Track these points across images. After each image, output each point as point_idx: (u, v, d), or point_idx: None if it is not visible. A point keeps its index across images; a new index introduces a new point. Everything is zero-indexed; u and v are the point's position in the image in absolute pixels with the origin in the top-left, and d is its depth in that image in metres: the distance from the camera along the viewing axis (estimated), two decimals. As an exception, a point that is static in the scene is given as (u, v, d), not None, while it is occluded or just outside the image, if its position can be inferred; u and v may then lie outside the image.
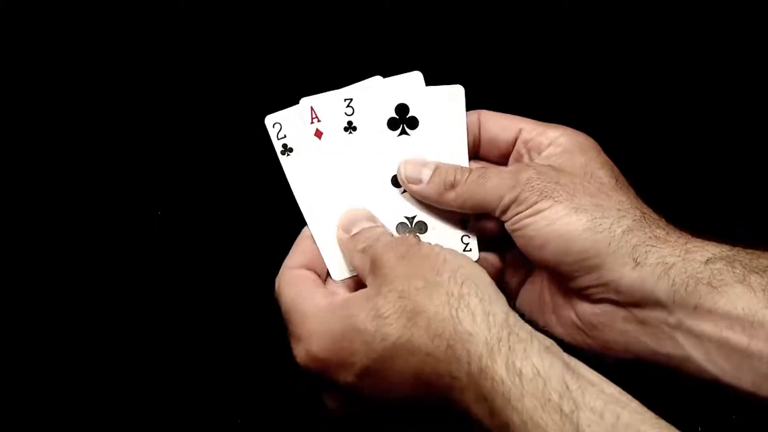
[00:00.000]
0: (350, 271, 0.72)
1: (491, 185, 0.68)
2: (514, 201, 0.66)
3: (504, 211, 0.67)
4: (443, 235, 0.72)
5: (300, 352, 0.63)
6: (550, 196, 0.65)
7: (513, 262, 0.74)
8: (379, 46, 1.06)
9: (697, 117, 1.05)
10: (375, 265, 0.63)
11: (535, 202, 0.65)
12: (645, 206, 0.68)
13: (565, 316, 0.69)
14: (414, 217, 0.72)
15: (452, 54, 1.07)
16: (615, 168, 0.71)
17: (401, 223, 0.73)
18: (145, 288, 0.92)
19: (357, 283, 0.70)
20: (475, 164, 0.74)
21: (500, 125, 0.75)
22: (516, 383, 0.54)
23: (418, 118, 0.74)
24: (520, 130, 0.74)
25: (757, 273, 0.61)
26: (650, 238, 0.64)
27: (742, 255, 0.63)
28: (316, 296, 0.65)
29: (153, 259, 0.94)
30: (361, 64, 1.07)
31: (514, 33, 1.09)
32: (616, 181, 0.69)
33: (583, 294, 0.66)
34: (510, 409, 0.53)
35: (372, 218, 0.70)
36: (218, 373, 0.87)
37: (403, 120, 0.73)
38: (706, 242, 0.64)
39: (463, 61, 1.06)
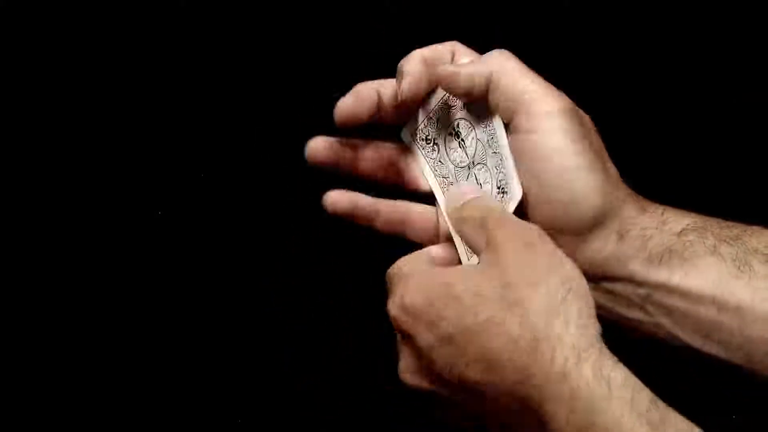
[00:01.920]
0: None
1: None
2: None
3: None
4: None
5: (395, 301, 0.63)
6: (579, 152, 0.67)
7: None
8: (377, 46, 1.06)
9: (697, 117, 1.05)
10: (491, 247, 0.63)
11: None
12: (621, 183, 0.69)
13: None
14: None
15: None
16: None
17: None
18: (145, 288, 0.92)
19: None
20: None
21: (511, 84, 0.75)
22: (603, 387, 0.54)
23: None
24: (524, 95, 0.75)
25: (727, 242, 0.63)
26: (632, 210, 0.65)
27: (713, 225, 0.64)
28: (422, 261, 0.66)
29: (153, 259, 0.94)
30: (359, 65, 1.07)
31: (512, 32, 1.09)
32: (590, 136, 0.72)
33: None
34: (594, 412, 0.54)
35: (476, 190, 0.70)
36: (218, 373, 0.87)
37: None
38: (682, 213, 0.66)
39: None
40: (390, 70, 0.84)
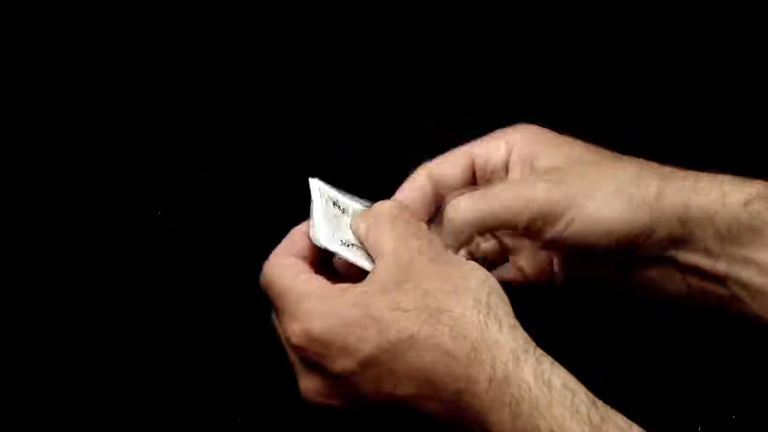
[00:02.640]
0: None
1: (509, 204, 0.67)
2: (540, 224, 0.65)
3: (536, 231, 0.66)
4: None
5: (295, 330, 0.61)
6: (574, 200, 0.65)
7: (528, 257, 0.72)
8: (375, 48, 1.06)
9: (697, 117, 1.05)
10: (399, 258, 0.61)
11: (563, 212, 0.65)
12: (651, 163, 0.68)
13: (622, 286, 0.69)
14: None
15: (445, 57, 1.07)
16: (584, 143, 0.70)
17: None
18: (145, 288, 0.92)
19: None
20: None
21: (450, 168, 0.72)
22: (544, 392, 0.54)
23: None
24: (472, 157, 0.71)
25: None
26: (681, 191, 0.64)
27: None
28: (317, 279, 0.64)
29: (153, 258, 0.93)
30: (359, 65, 1.07)
31: (512, 32, 1.09)
32: (600, 154, 0.69)
33: (639, 259, 0.67)
34: (537, 416, 0.53)
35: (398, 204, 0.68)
36: (218, 373, 0.87)
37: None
38: (741, 181, 0.65)
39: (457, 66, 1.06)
40: (390, 70, 0.84)
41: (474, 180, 0.70)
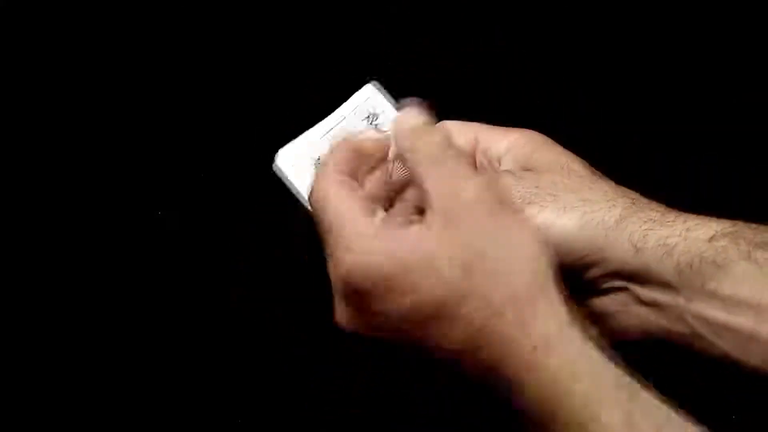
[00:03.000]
0: None
1: None
2: None
3: None
4: None
5: (346, 259, 0.59)
6: (534, 202, 0.65)
7: None
8: (371, 49, 1.06)
9: (697, 117, 1.05)
10: (454, 212, 0.60)
11: (521, 210, 0.65)
12: (631, 192, 0.67)
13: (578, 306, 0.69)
14: None
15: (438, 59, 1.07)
16: (583, 160, 0.70)
17: None
18: (145, 288, 0.92)
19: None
20: None
21: (460, 136, 0.73)
22: (584, 361, 0.55)
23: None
24: (476, 140, 0.72)
25: (761, 248, 0.61)
26: (645, 221, 0.63)
27: (745, 230, 0.63)
28: (377, 217, 0.63)
29: (153, 258, 0.94)
30: (359, 65, 1.07)
31: (512, 32, 1.09)
32: (593, 172, 0.69)
33: (592, 287, 0.66)
34: (573, 381, 0.54)
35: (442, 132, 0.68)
36: (218, 372, 0.87)
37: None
38: (707, 219, 0.64)
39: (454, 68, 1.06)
40: (390, 70, 0.84)
41: (472, 159, 0.71)
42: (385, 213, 0.63)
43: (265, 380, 0.86)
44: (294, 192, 0.72)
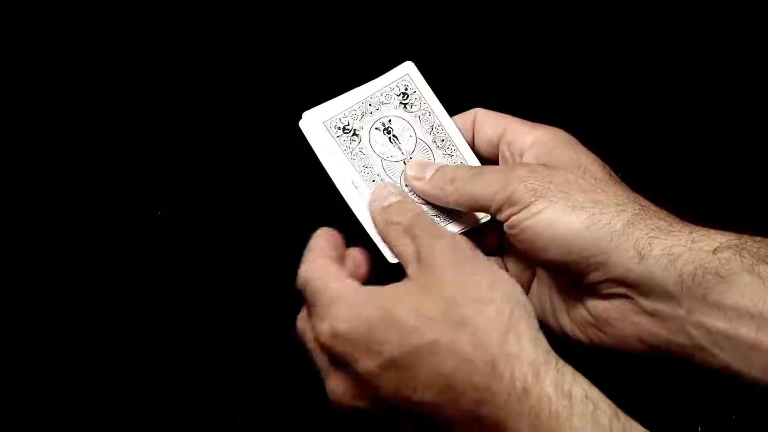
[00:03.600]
0: None
1: (484, 182, 0.67)
2: (506, 200, 0.66)
3: (498, 210, 0.67)
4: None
5: (325, 329, 0.61)
6: (545, 196, 0.65)
7: (516, 264, 0.73)
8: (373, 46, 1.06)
9: (697, 117, 1.05)
10: (424, 264, 0.62)
11: (530, 203, 0.65)
12: (643, 199, 0.67)
13: (577, 313, 0.69)
14: None
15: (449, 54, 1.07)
16: (604, 163, 0.70)
17: None
18: (145, 288, 0.92)
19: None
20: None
21: (490, 125, 0.74)
22: (564, 403, 0.54)
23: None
24: (506, 130, 0.73)
25: (765, 262, 0.61)
26: (653, 229, 0.63)
27: (750, 243, 0.62)
28: (349, 282, 0.64)
29: (153, 258, 0.93)
30: (359, 65, 1.07)
31: (512, 32, 1.09)
32: (609, 175, 0.69)
33: (593, 291, 0.66)
34: (557, 427, 0.54)
35: (402, 193, 0.69)
36: (218, 373, 0.87)
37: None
38: (712, 231, 0.64)
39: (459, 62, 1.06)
40: (388, 71, 0.84)
41: (496, 148, 0.72)
42: (358, 284, 0.64)
43: (265, 380, 0.86)
44: (316, 153, 0.73)
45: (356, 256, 0.66)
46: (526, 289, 0.72)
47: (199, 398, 0.87)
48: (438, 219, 0.72)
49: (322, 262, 0.65)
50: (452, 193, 0.69)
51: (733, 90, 1.06)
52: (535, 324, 0.59)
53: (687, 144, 1.02)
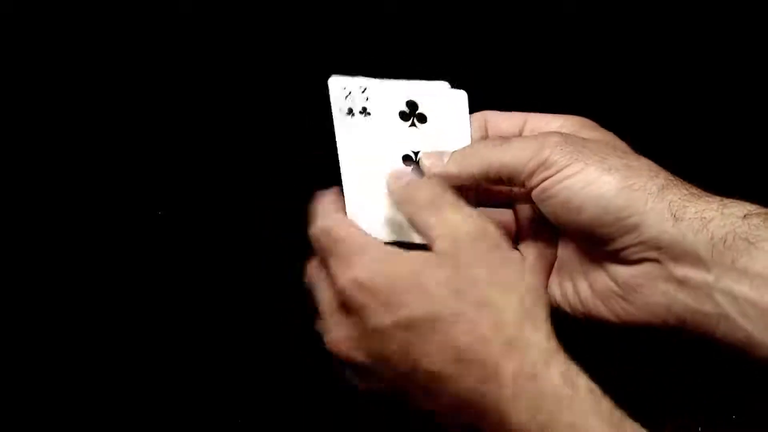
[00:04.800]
0: (396, 234, 0.71)
1: (514, 149, 0.68)
2: (542, 164, 0.66)
3: (531, 175, 0.67)
4: None
5: (346, 275, 0.61)
6: (580, 159, 0.66)
7: (529, 235, 0.73)
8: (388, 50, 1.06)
9: (697, 117, 1.05)
10: (454, 238, 0.62)
11: (566, 165, 0.65)
12: (666, 170, 0.68)
13: (602, 284, 0.69)
14: None
15: (455, 57, 1.07)
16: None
17: None
18: (145, 288, 0.92)
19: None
20: None
21: (506, 121, 0.75)
22: (568, 391, 0.55)
23: (427, 116, 0.75)
24: (526, 121, 0.74)
25: None
26: (686, 195, 0.64)
27: None
28: (373, 239, 0.65)
29: (153, 258, 0.94)
30: (359, 65, 1.07)
31: (512, 32, 1.09)
32: (631, 151, 0.70)
33: (621, 256, 0.66)
34: (559, 410, 0.55)
35: (432, 182, 0.70)
36: (218, 372, 0.88)
37: (413, 114, 0.74)
38: (740, 201, 0.64)
39: (465, 64, 1.06)
40: (389, 70, 0.84)
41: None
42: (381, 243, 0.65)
43: (265, 380, 0.86)
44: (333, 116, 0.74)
45: None
46: (546, 277, 0.73)
47: (199, 398, 0.87)
48: None
49: (341, 216, 0.66)
50: (477, 164, 0.69)
51: (733, 90, 1.06)
52: (549, 319, 0.60)
53: (687, 144, 1.02)
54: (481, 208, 0.71)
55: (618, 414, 0.55)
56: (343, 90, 0.76)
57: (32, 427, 0.86)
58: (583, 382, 0.57)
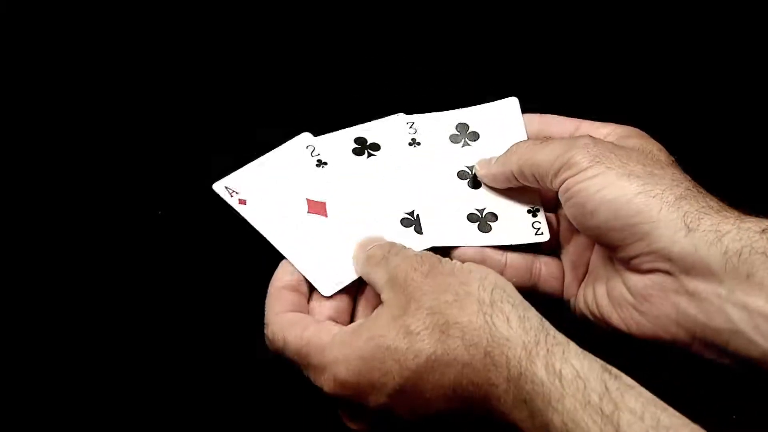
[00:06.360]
0: (338, 284, 0.72)
1: (547, 149, 0.69)
2: (565, 164, 0.67)
3: (555, 175, 0.68)
4: (513, 221, 0.74)
5: (327, 380, 0.63)
6: (602, 162, 0.66)
7: (571, 257, 0.74)
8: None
9: (697, 117, 1.05)
10: (396, 284, 0.62)
11: (587, 167, 0.66)
12: (698, 185, 0.68)
13: (616, 289, 0.69)
14: (483, 209, 0.75)
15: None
16: (670, 155, 0.72)
17: (471, 214, 0.75)
18: (145, 288, 0.92)
19: (346, 302, 0.71)
20: None
21: (559, 126, 0.76)
22: (556, 385, 0.55)
23: (479, 132, 0.79)
24: (578, 127, 0.75)
25: None
26: (703, 207, 0.64)
27: None
28: (326, 326, 0.66)
29: (153, 258, 0.94)
30: (359, 65, 1.07)
31: (512, 32, 1.09)
32: (673, 161, 0.70)
33: (633, 264, 0.66)
34: (550, 411, 0.55)
35: (388, 242, 0.71)
36: (218, 372, 0.88)
37: (465, 135, 0.78)
38: (761, 218, 0.64)
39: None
40: (389, 70, 0.84)
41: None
42: (334, 324, 0.66)
43: (265, 380, 0.86)
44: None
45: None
46: (578, 284, 0.72)
47: (199, 398, 0.87)
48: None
49: (289, 317, 0.67)
50: (515, 162, 0.70)
51: (733, 90, 1.06)
52: (519, 299, 0.60)
53: (687, 144, 1.02)
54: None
55: (612, 399, 0.54)
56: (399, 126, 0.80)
57: (32, 427, 0.86)
58: (569, 368, 0.56)
